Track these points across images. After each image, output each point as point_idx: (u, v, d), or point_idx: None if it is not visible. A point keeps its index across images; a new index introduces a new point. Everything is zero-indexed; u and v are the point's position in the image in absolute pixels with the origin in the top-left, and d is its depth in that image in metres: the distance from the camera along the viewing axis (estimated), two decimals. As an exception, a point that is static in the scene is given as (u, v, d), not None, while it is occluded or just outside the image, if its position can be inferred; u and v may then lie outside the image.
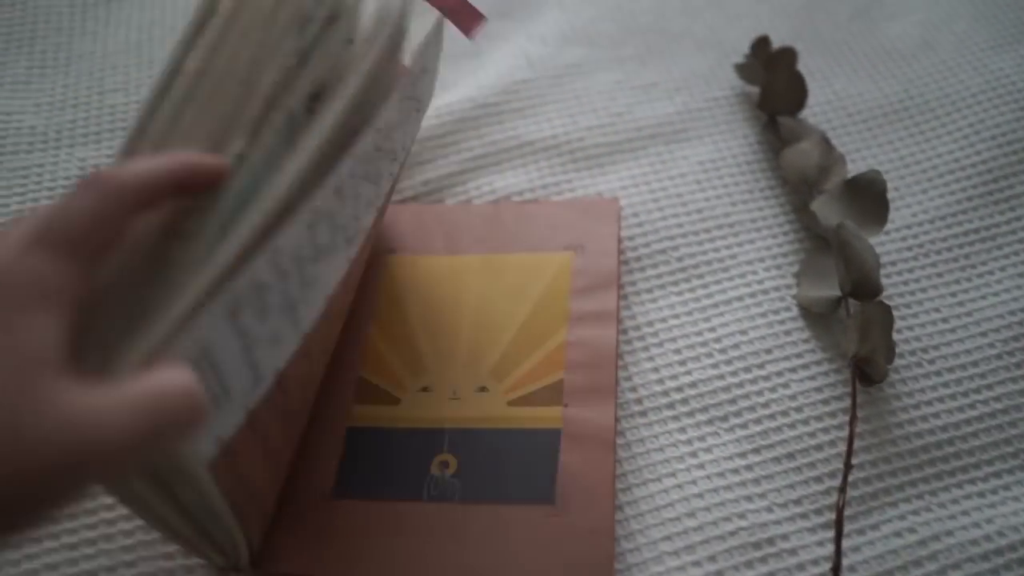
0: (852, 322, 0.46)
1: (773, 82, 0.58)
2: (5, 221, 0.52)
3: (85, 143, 0.58)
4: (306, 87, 0.34)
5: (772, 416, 0.45)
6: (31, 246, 0.24)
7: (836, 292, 0.48)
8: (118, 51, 0.63)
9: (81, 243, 0.25)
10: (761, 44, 0.61)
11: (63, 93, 0.61)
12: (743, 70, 0.61)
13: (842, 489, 0.41)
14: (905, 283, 0.51)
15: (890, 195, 0.54)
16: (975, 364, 0.47)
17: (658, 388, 0.46)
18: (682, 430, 0.44)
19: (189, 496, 0.32)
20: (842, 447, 0.44)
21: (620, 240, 0.52)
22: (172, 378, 0.25)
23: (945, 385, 0.46)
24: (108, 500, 0.41)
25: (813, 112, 0.60)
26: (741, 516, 0.41)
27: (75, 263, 0.25)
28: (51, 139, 0.58)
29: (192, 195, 0.29)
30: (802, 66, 0.62)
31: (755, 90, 0.61)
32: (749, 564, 0.39)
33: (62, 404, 0.22)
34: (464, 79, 0.62)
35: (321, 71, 0.35)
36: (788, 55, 0.59)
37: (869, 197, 0.51)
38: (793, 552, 0.40)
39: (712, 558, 0.40)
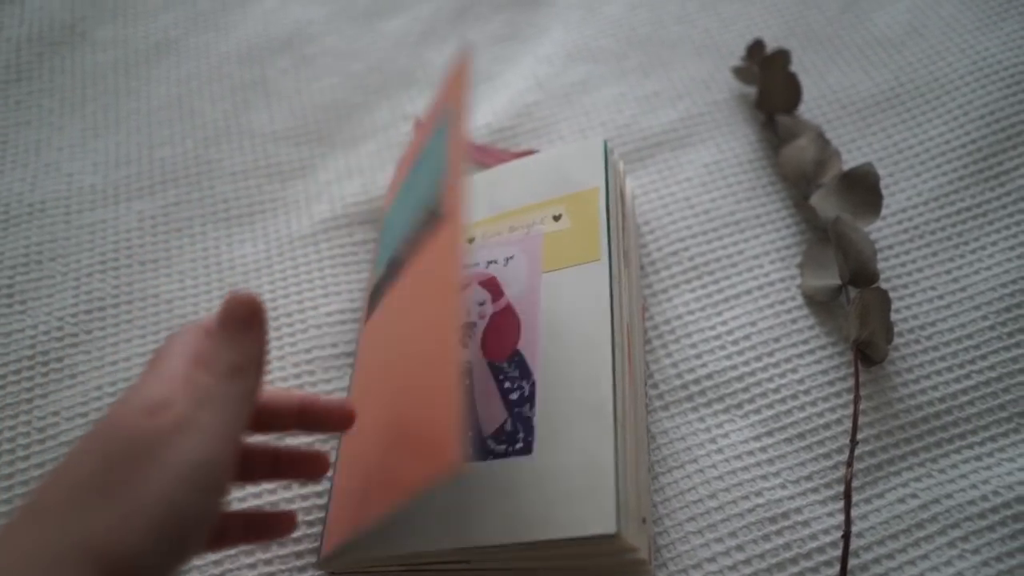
0: (852, 309, 0.50)
1: (769, 84, 0.62)
2: (80, 276, 0.58)
3: (140, 196, 0.63)
4: None
5: (782, 400, 0.49)
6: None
7: (836, 281, 0.52)
8: (161, 107, 0.69)
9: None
10: (755, 48, 0.65)
11: (116, 151, 0.66)
12: (740, 73, 0.64)
13: (849, 463, 0.45)
14: (902, 265, 0.54)
15: (884, 181, 0.58)
16: (969, 337, 0.50)
17: (677, 382, 0.51)
18: (701, 419, 0.49)
19: None
20: (848, 425, 0.48)
21: None
22: None
23: (942, 359, 0.50)
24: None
25: (809, 107, 0.63)
26: (758, 494, 0.45)
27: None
28: (110, 195, 0.64)
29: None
30: (796, 63, 0.66)
31: (753, 90, 0.65)
32: (766, 537, 0.44)
33: None
34: (479, 105, 0.66)
35: None
36: (782, 57, 0.62)
37: (863, 189, 0.54)
38: (806, 524, 0.44)
39: (733, 534, 0.44)
